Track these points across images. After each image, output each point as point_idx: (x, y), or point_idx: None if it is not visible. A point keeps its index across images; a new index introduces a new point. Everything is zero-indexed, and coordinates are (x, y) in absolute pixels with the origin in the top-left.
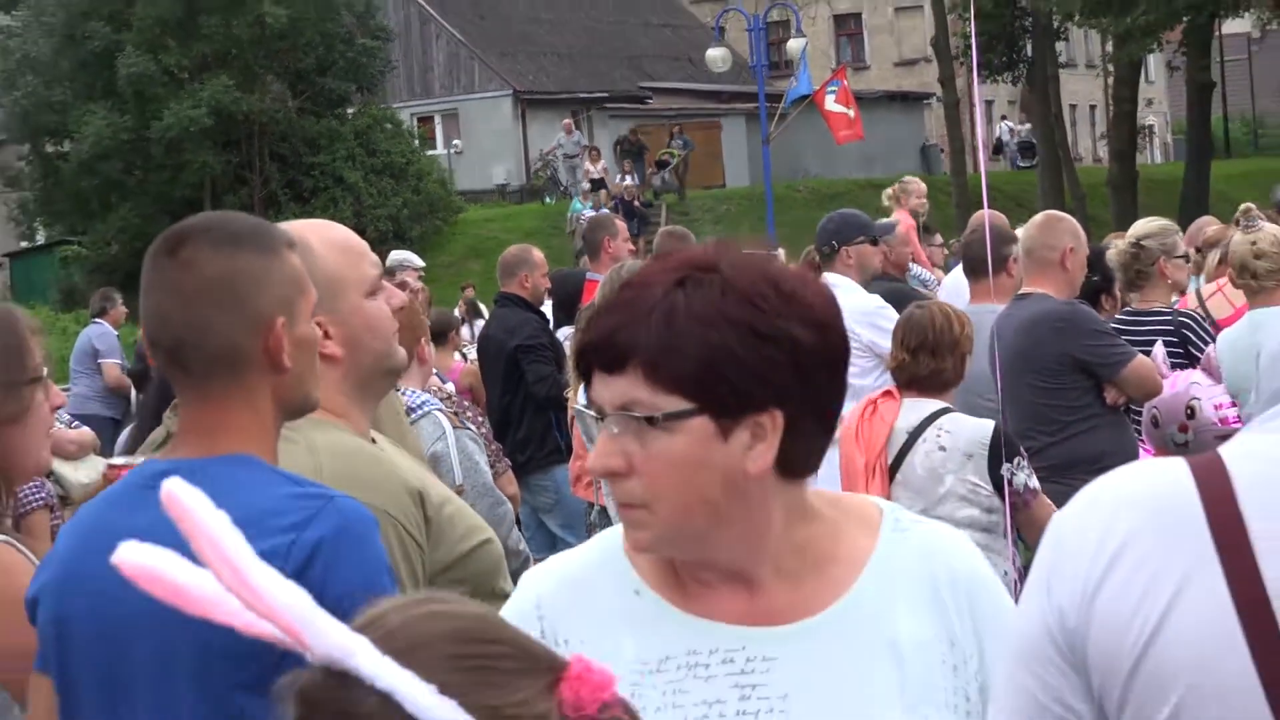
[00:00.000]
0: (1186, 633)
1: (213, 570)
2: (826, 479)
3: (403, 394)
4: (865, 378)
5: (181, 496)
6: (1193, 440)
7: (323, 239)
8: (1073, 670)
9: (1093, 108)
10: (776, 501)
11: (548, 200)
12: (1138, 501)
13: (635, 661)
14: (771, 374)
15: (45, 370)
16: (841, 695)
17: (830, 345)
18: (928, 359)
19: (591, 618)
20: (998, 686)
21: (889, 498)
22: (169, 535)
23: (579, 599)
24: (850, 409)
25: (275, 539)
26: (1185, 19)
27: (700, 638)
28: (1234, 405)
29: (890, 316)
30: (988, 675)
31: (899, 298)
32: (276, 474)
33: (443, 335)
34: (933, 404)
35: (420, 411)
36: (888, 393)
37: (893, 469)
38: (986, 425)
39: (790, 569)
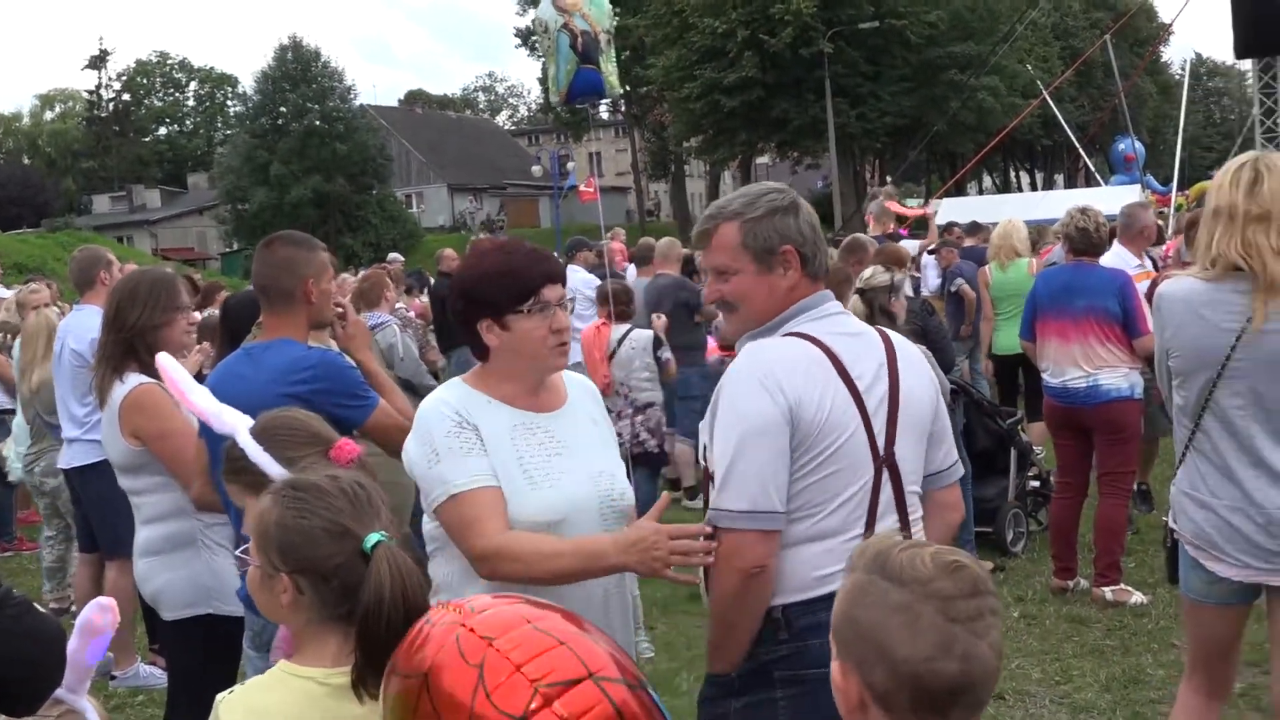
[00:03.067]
0: (837, 411)
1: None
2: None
3: (368, 316)
4: (588, 309)
5: (165, 361)
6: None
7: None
8: (791, 429)
9: (701, 195)
10: None
11: (463, 232)
12: (806, 355)
13: (506, 427)
14: None
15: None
16: (579, 439)
17: None
18: (623, 307)
19: (478, 413)
20: (741, 454)
21: (609, 373)
22: (235, 376)
23: (468, 406)
24: (586, 328)
25: (301, 371)
26: (739, 156)
27: (525, 418)
28: None
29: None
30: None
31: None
32: (303, 346)
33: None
34: (625, 326)
35: (382, 325)
36: (605, 322)
37: (611, 356)
38: (649, 333)
39: (547, 386)
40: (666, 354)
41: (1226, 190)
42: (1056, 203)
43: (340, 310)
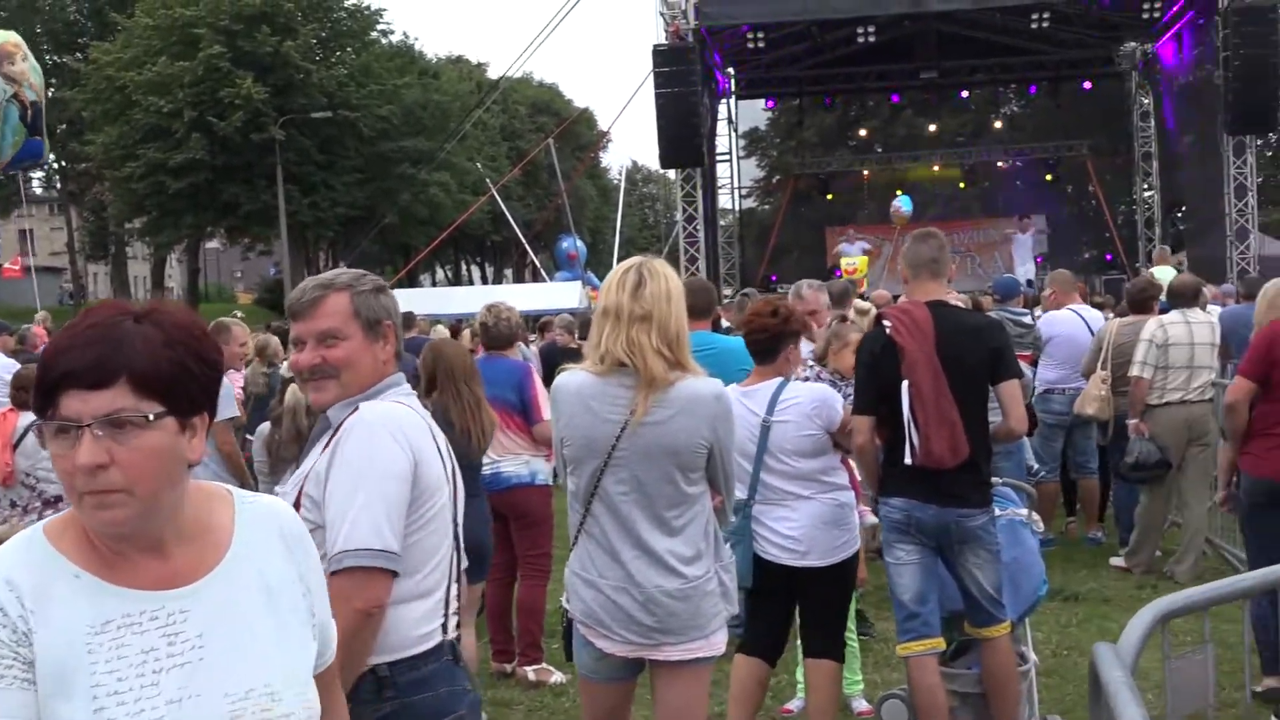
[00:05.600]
0: (438, 476)
1: None
2: None
3: None
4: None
5: None
6: None
7: None
8: (412, 483)
9: (145, 278)
10: (186, 483)
11: None
12: (418, 421)
13: (85, 627)
14: (209, 386)
15: None
16: (237, 627)
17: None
18: (21, 393)
19: (51, 595)
20: (372, 495)
21: (11, 461)
22: None
23: (37, 583)
24: None
25: None
26: (186, 240)
27: (131, 604)
28: None
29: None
30: (315, 599)
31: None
32: None
33: None
34: (32, 414)
35: None
36: (11, 409)
37: (16, 445)
38: None
39: (189, 536)
40: None
41: (614, 292)
42: (503, 295)
43: None
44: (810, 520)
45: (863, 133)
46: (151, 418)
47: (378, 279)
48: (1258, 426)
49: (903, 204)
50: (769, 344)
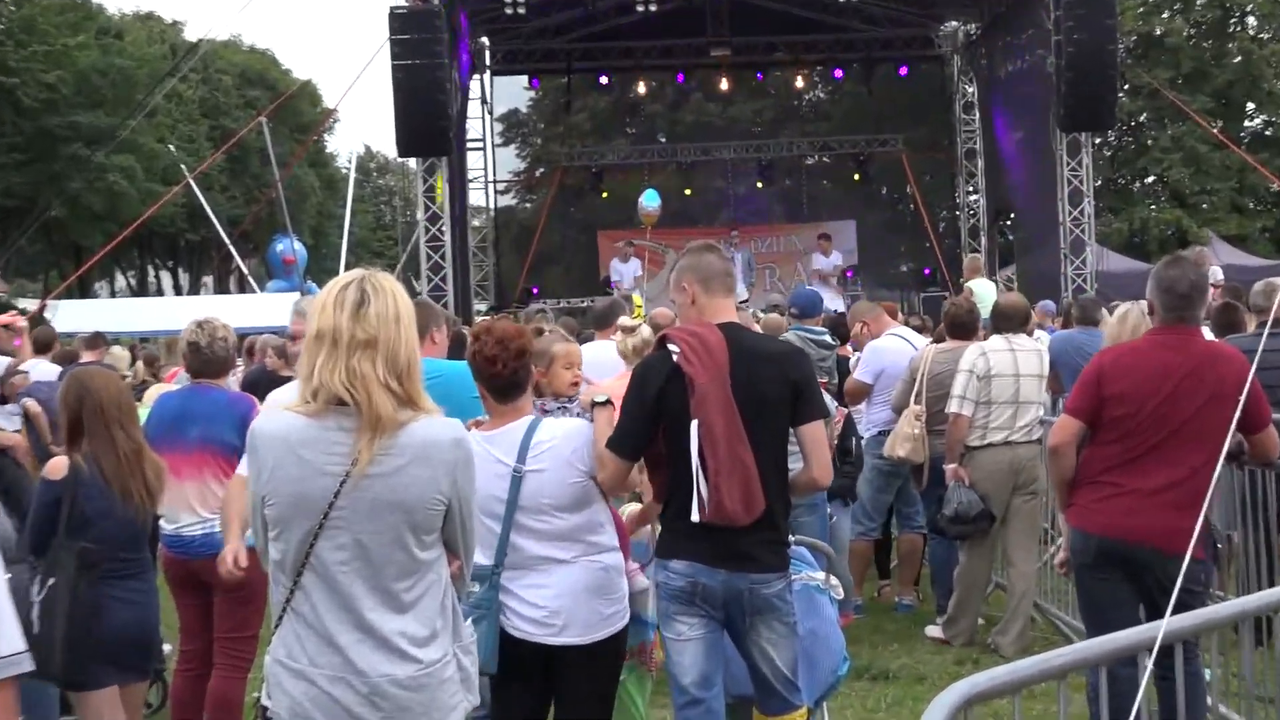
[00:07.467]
0: None
1: None
2: None
3: None
4: None
5: None
6: None
7: None
8: None
9: None
10: None
11: None
12: None
13: None
14: None
15: None
16: None
17: None
18: None
19: None
20: None
21: None
22: None
23: None
24: None
25: None
26: None
27: None
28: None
29: None
30: None
31: None
32: None
33: None
34: None
35: None
36: None
37: None
38: None
39: None
40: None
41: (330, 312)
42: (201, 309)
43: None
44: (569, 589)
45: (643, 119)
46: None
47: None
48: (1085, 474)
49: (647, 201)
50: (511, 381)
